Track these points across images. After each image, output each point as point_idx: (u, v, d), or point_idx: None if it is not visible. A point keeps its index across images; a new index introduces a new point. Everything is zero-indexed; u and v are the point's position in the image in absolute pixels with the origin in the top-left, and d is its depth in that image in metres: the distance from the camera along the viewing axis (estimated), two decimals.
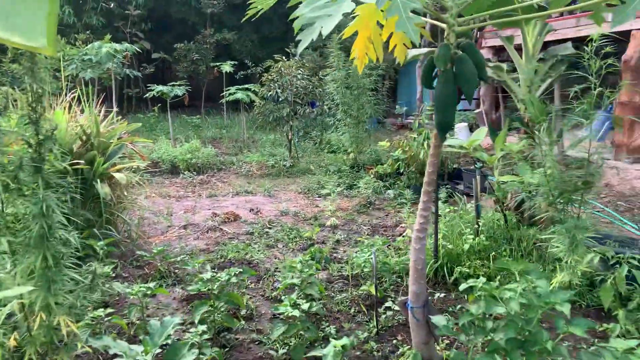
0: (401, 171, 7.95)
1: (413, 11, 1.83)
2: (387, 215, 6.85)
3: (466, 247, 4.46)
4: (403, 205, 7.23)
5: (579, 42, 6.10)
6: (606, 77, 4.66)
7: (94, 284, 2.67)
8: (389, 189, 7.88)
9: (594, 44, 3.71)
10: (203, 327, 3.07)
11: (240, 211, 6.95)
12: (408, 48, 3.21)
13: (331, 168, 9.43)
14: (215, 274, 3.53)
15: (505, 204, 4.96)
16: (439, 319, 2.55)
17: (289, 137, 10.35)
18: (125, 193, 5.52)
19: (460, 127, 12.03)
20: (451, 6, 2.45)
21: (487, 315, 2.33)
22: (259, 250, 5.32)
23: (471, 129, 12.28)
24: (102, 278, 3.60)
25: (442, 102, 2.41)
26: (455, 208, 5.35)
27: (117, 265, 4.69)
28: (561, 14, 8.85)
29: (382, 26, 2.99)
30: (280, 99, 9.94)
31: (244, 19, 2.77)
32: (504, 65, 5.60)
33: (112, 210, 5.21)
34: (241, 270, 3.77)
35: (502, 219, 4.91)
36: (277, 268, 4.81)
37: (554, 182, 3.63)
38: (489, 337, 2.24)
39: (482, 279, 3.57)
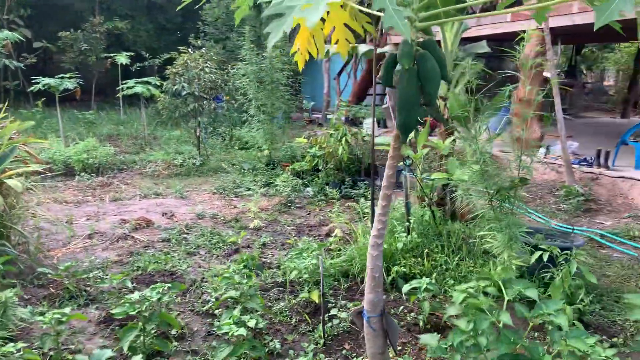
0: (319, 168, 7.83)
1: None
2: (309, 214, 6.69)
3: (400, 245, 4.43)
4: (324, 203, 7.13)
5: (494, 40, 6.34)
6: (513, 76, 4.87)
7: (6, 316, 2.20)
8: (308, 186, 7.73)
9: (523, 43, 3.80)
10: (138, 358, 2.69)
11: (152, 216, 6.42)
12: (350, 43, 3.05)
13: (245, 166, 9.09)
14: (142, 294, 3.14)
15: (430, 200, 5.01)
16: (428, 339, 2.42)
17: (197, 134, 9.82)
18: (18, 202, 4.82)
19: (368, 122, 12.21)
20: (412, 1, 2.31)
21: (478, 332, 2.23)
22: (180, 259, 4.91)
23: (379, 124, 12.51)
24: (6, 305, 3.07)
25: (405, 102, 2.27)
26: None
27: (15, 286, 4.06)
28: (472, 12, 9.22)
29: (323, 20, 2.81)
30: (184, 93, 9.36)
31: (179, 7, 2.43)
32: None
33: (3, 222, 4.52)
34: (169, 285, 3.41)
35: (429, 215, 4.95)
36: (203, 278, 4.45)
37: (490, 180, 3.68)
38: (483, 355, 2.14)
39: (426, 280, 3.54)
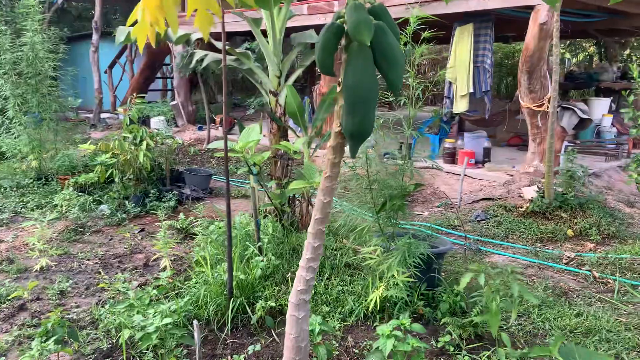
0: (114, 179, 6.40)
1: None
2: (111, 239, 5.33)
3: (258, 273, 3.62)
4: (127, 222, 5.81)
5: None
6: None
7: None
8: (102, 203, 6.25)
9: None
10: None
11: None
12: (216, 15, 2.15)
13: (4, 183, 6.99)
14: None
15: (281, 213, 4.31)
16: None
17: None
18: None
19: (157, 121, 10.86)
20: None
21: None
22: None
23: (167, 122, 11.23)
24: None
25: (359, 97, 1.53)
26: (220, 223, 4.39)
27: None
28: None
29: None
30: None
31: None
32: (250, 52, 4.90)
33: None
34: None
35: (280, 229, 4.25)
36: None
37: (377, 187, 3.15)
38: None
39: (317, 318, 2.86)
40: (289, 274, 3.74)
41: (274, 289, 3.63)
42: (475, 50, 6.96)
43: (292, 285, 3.59)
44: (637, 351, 3.04)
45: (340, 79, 1.63)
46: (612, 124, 8.99)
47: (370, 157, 3.34)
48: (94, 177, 6.47)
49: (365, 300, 3.44)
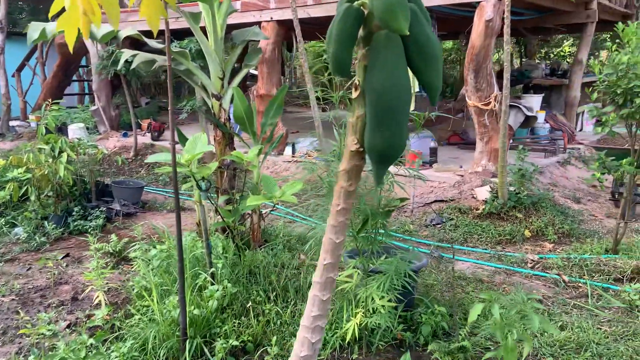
0: (29, 197, 5.59)
1: None
2: (30, 269, 4.59)
3: (214, 305, 3.13)
4: (49, 247, 5.07)
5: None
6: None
7: None
8: (16, 225, 5.44)
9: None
10: None
11: None
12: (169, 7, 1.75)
13: None
14: None
15: (234, 232, 3.82)
16: None
17: None
18: None
19: (75, 129, 9.90)
20: None
21: None
22: None
23: (88, 130, 10.27)
24: None
25: (389, 105, 1.14)
26: (162, 245, 3.83)
27: None
28: None
29: None
30: None
31: None
32: (187, 52, 4.35)
33: None
34: None
35: (230, 249, 3.77)
36: None
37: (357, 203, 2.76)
38: None
39: None
40: (249, 303, 3.28)
41: (234, 322, 3.15)
42: None
43: (253, 316, 3.15)
44: None
45: (357, 82, 1.24)
46: (545, 120, 9.20)
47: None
48: (5, 195, 5.61)
49: (340, 329, 3.06)
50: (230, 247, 3.72)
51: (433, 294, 3.61)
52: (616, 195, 6.19)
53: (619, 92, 3.87)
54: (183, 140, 4.49)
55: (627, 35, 3.87)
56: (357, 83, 1.27)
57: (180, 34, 9.86)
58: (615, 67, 3.85)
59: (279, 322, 3.20)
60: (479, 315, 2.24)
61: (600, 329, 3.31)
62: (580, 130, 10.59)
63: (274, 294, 3.45)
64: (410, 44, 1.19)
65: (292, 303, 3.38)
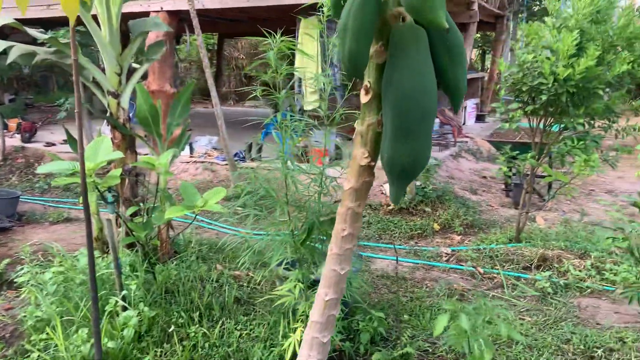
0: None
1: None
2: None
3: (131, 333, 2.74)
4: None
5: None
6: None
7: None
8: None
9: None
10: None
11: None
12: None
13: None
14: None
15: (147, 247, 3.40)
16: None
17: None
18: None
19: None
20: None
21: None
22: None
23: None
24: None
25: (416, 111, 0.94)
26: (58, 267, 3.29)
27: None
28: None
29: None
30: None
31: None
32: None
33: None
34: None
35: (142, 266, 3.35)
36: None
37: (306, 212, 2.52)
38: None
39: None
40: (171, 327, 2.92)
41: (155, 351, 2.78)
42: (322, 44, 6.68)
43: (177, 342, 2.82)
44: (560, 354, 2.98)
45: (367, 82, 1.03)
46: None
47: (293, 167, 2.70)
48: None
49: (275, 347, 2.83)
50: (140, 264, 3.30)
51: (365, 298, 3.51)
52: (510, 186, 6.61)
53: (524, 89, 4.06)
54: (74, 143, 3.95)
55: (530, 34, 4.06)
56: (368, 85, 1.06)
57: (53, 24, 8.84)
58: (521, 66, 4.03)
59: (207, 345, 2.88)
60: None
61: (523, 319, 3.43)
62: (464, 123, 11.28)
63: (197, 313, 3.12)
64: (437, 40, 1.01)
65: (219, 322, 3.07)
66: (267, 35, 2.74)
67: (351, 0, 1.01)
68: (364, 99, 1.11)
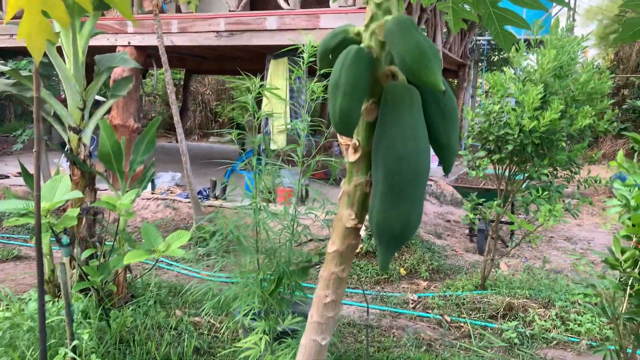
0: None
1: None
2: None
3: None
4: None
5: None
6: None
7: None
8: None
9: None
10: None
11: None
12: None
13: None
14: None
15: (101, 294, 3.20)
16: None
17: None
18: None
19: None
20: None
21: None
22: None
23: None
24: None
25: (409, 173, 0.89)
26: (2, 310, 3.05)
27: None
28: None
29: None
30: None
31: None
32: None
33: None
34: None
35: (96, 312, 3.14)
36: None
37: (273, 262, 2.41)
38: None
39: None
40: None
41: None
42: (297, 89, 6.71)
43: None
44: None
45: (356, 141, 0.97)
46: None
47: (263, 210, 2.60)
48: None
49: None
50: (93, 310, 3.10)
51: (332, 349, 3.39)
52: (474, 231, 6.67)
53: (490, 138, 4.13)
54: (29, 178, 3.75)
55: (495, 85, 4.17)
56: (357, 143, 1.02)
57: (15, 53, 8.61)
58: (487, 115, 4.11)
59: None
60: None
61: None
62: None
63: None
64: (430, 98, 0.98)
65: None
66: (237, 73, 2.70)
67: (344, 56, 0.97)
68: (352, 157, 1.06)
